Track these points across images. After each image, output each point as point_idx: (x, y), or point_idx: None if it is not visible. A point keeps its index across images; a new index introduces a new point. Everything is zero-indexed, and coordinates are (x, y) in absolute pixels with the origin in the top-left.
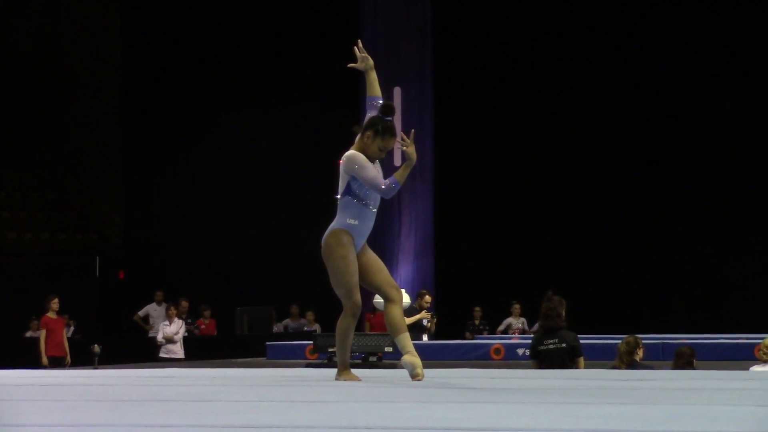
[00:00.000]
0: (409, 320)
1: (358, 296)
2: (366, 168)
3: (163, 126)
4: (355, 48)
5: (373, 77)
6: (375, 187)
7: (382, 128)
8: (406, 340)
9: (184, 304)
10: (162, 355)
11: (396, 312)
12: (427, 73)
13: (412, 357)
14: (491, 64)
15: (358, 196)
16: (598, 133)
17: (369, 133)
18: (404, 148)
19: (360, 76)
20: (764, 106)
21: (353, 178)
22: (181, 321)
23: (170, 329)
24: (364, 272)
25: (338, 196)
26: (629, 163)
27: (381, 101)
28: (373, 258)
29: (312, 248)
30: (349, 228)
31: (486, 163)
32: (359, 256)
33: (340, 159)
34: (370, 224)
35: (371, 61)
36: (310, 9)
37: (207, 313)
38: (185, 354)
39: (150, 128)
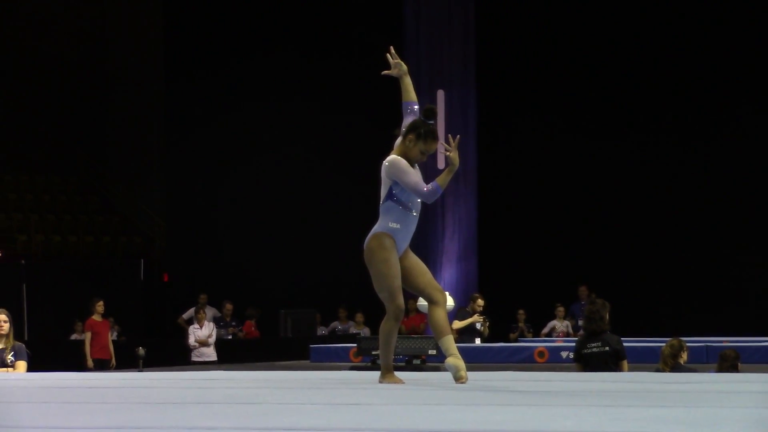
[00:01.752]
0: (462, 323)
1: (401, 299)
2: (408, 173)
3: (206, 129)
4: (388, 54)
5: (407, 82)
6: (417, 192)
7: (425, 132)
8: (449, 343)
9: (229, 307)
10: (194, 359)
11: (440, 314)
12: (471, 75)
13: (455, 359)
14: (535, 66)
15: (400, 200)
16: (642, 136)
17: (411, 136)
18: (448, 153)
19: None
20: None
21: (395, 183)
22: (212, 324)
23: (202, 333)
24: (407, 275)
25: (380, 202)
26: (673, 166)
27: (417, 106)
28: (416, 261)
29: (359, 250)
30: (391, 232)
31: (529, 166)
32: (402, 259)
33: (382, 163)
34: (412, 228)
35: (405, 67)
36: (352, 10)
37: (256, 315)
38: (222, 357)
39: (194, 131)
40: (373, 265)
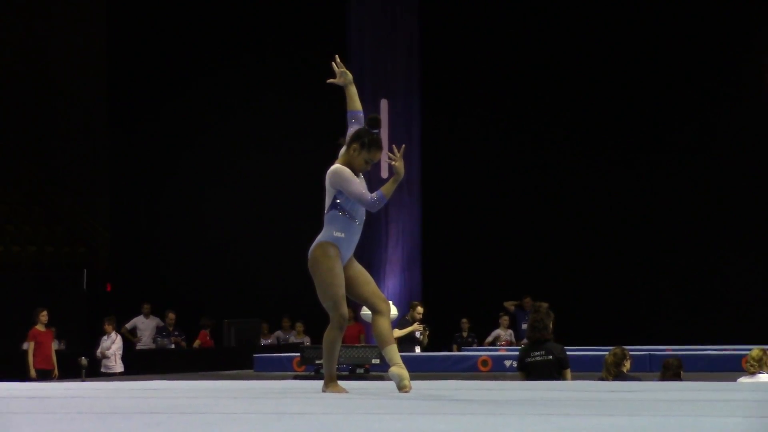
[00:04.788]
0: (401, 332)
1: (344, 308)
2: (352, 182)
3: (149, 139)
4: (333, 63)
5: (352, 91)
6: (361, 202)
7: (369, 141)
8: (393, 352)
9: (171, 316)
10: (102, 369)
11: (384, 324)
12: (414, 85)
13: (399, 369)
14: (479, 75)
15: (344, 209)
16: (586, 147)
17: (355, 145)
18: (393, 162)
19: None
20: (762, 116)
21: (339, 192)
22: (116, 335)
23: (105, 344)
24: (351, 285)
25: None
26: (616, 175)
27: (362, 115)
28: (360, 270)
29: (303, 259)
30: (335, 241)
31: (473, 175)
32: (346, 268)
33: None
34: (356, 237)
35: (350, 76)
36: (295, 21)
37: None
38: (165, 367)
39: (136, 141)
40: (317, 274)
